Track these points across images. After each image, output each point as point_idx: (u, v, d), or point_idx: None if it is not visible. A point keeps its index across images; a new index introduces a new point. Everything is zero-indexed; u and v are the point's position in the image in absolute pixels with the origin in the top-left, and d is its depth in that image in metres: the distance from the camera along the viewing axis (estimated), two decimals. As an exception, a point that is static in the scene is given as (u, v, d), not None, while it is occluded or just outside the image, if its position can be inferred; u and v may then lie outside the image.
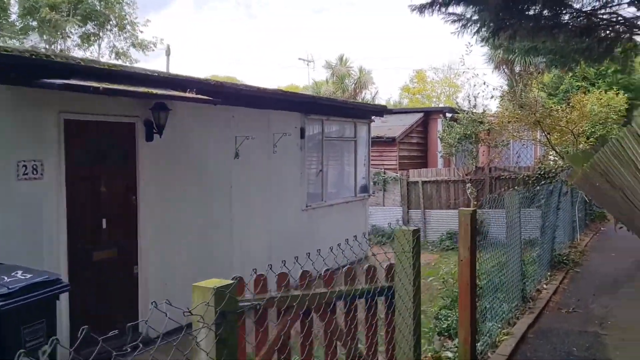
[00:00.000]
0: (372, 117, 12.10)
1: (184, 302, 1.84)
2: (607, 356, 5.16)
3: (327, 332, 3.57)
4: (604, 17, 11.85)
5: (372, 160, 14.86)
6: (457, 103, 16.79)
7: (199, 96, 6.34)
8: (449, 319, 6.20)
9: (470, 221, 4.86)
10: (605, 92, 19.43)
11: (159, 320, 1.73)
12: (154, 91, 5.93)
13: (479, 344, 5.42)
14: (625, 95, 20.10)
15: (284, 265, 3.15)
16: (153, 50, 24.57)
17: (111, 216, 6.30)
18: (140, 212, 6.59)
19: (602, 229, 12.87)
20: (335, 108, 10.49)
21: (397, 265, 3.71)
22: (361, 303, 3.87)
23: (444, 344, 5.78)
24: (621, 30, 11.98)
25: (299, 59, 43.93)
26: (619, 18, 11.90)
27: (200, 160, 7.37)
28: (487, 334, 5.64)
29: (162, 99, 6.30)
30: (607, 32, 12.01)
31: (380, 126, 15.69)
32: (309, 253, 3.29)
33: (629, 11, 14.23)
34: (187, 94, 6.32)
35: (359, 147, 11.47)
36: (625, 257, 9.61)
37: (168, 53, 30.82)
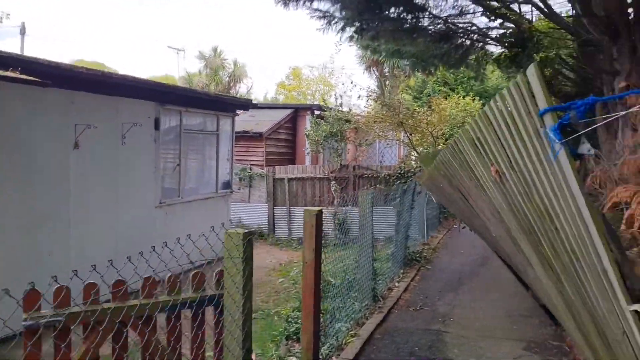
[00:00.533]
0: (237, 111, 11.69)
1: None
2: (445, 354, 5.24)
3: (144, 349, 3.14)
4: (461, 25, 12.48)
5: (238, 155, 14.45)
6: (324, 100, 16.90)
7: (22, 76, 5.53)
8: (298, 321, 6.00)
9: (316, 222, 4.66)
10: (463, 97, 20.67)
11: None
12: (-38, 67, 5.05)
13: (324, 348, 5.27)
14: (481, 101, 21.55)
15: (129, 260, 2.70)
16: (-4, 25, 21.83)
17: None
18: (-54, 209, 5.63)
19: (454, 226, 13.58)
20: (195, 99, 9.93)
21: (225, 273, 3.37)
22: (192, 314, 3.49)
23: (291, 348, 5.57)
24: (475, 38, 12.71)
25: (169, 47, 41.71)
26: (474, 27, 12.61)
27: (28, 149, 6.49)
28: (334, 337, 5.52)
29: (-26, 77, 5.39)
30: (463, 39, 12.68)
31: (248, 121, 15.32)
32: (154, 246, 2.96)
33: (482, 21, 15.13)
34: (7, 73, 5.47)
35: (221, 142, 10.99)
36: (471, 254, 10.15)
37: (23, 32, 27.90)
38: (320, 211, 4.84)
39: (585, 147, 2.32)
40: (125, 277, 3.07)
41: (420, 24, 11.03)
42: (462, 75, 23.95)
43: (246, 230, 3.41)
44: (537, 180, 2.73)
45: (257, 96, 42.15)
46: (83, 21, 75.89)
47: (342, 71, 33.84)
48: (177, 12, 79.12)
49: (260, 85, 76.23)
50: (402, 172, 13.31)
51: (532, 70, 2.44)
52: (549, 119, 2.38)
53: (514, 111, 2.73)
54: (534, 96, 2.47)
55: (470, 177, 4.07)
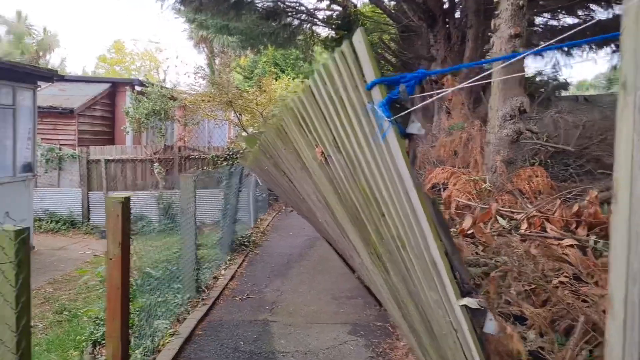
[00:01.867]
0: (40, 83, 10.18)
1: None
2: (272, 347, 4.96)
3: None
4: (290, 3, 12.31)
5: (44, 134, 12.76)
6: (146, 76, 15.65)
7: None
8: (108, 323, 5.26)
9: (122, 211, 4.03)
10: (293, 79, 20.73)
11: None
12: None
13: (138, 351, 4.67)
14: (309, 83, 21.84)
15: None
16: None
17: None
18: None
19: (284, 207, 13.51)
20: (-19, 66, 8.35)
21: (-11, 282, 2.63)
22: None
23: (97, 356, 4.85)
24: (303, 18, 12.65)
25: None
26: (302, 7, 12.52)
27: None
28: (150, 338, 4.92)
29: None
30: (292, 19, 12.54)
31: (57, 95, 13.56)
32: None
33: (310, 0, 15.17)
34: None
35: (20, 118, 9.46)
36: (300, 236, 10.09)
37: None
38: (128, 198, 4.21)
39: (415, 127, 2.08)
40: None
41: (246, -2, 10.61)
42: (292, 57, 24.07)
43: (18, 227, 2.69)
44: (364, 163, 2.47)
45: (74, 69, 38.42)
46: None
47: (169, 47, 32.00)
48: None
49: (78, 57, 69.43)
50: (230, 153, 12.81)
51: (359, 37, 2.14)
52: (377, 94, 2.11)
53: (339, 84, 2.42)
54: (361, 67, 2.18)
55: (296, 159, 3.76)
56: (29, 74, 9.55)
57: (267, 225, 11.12)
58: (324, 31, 13.37)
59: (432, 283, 2.23)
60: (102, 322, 5.37)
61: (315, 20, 12.80)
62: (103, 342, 5.08)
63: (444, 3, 9.12)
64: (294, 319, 5.71)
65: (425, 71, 2.10)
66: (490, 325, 2.02)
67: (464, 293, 2.04)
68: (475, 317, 2.04)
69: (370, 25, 11.41)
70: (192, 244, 6.40)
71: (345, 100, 2.40)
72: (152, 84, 13.92)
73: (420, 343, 2.95)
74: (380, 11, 11.05)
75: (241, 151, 13.01)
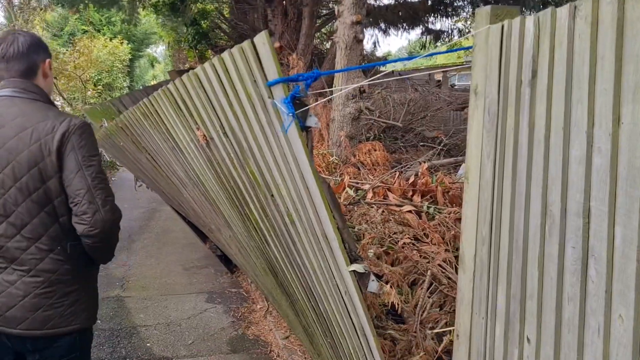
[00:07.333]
0: None
1: None
2: (132, 322, 5.00)
3: None
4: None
5: None
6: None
7: None
8: None
9: None
10: (111, 40, 19.50)
11: None
12: None
13: None
14: (129, 45, 20.71)
15: None
16: None
17: None
18: None
19: (112, 179, 12.90)
20: None
21: None
22: None
23: None
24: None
25: None
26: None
27: None
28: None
29: None
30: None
31: None
32: None
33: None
34: None
35: None
36: (137, 207, 9.86)
37: None
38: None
39: (313, 120, 2.40)
40: None
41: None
42: (108, 15, 22.39)
43: None
44: (256, 149, 2.72)
45: None
46: None
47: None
48: None
49: None
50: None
51: (263, 39, 2.36)
52: (278, 91, 2.37)
53: (235, 77, 2.61)
54: (262, 65, 2.41)
55: (166, 138, 3.83)
56: None
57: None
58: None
59: (322, 253, 2.61)
60: None
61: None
62: None
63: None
64: (148, 293, 5.75)
65: (319, 72, 2.42)
66: (373, 285, 2.48)
67: (351, 260, 2.45)
68: (361, 279, 2.47)
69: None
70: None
71: (241, 92, 2.61)
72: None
73: (293, 302, 3.35)
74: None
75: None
